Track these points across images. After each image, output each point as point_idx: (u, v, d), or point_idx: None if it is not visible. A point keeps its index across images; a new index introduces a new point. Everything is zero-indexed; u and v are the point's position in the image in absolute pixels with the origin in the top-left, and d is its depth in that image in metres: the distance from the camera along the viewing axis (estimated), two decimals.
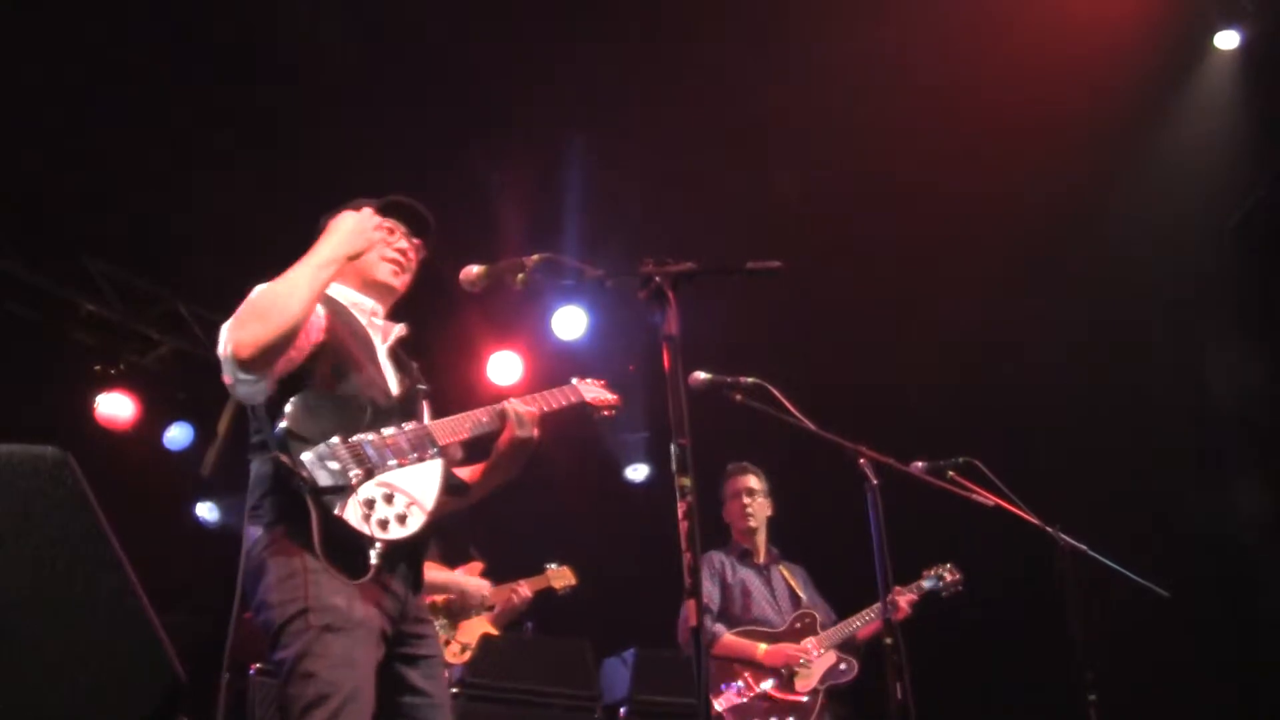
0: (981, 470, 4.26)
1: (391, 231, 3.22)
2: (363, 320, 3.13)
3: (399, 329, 3.20)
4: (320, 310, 2.95)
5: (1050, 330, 7.18)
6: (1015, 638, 6.84)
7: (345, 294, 3.16)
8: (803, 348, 7.14)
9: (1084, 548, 4.30)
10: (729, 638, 5.23)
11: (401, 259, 3.21)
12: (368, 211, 3.09)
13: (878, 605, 4.98)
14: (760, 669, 5.11)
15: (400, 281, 3.22)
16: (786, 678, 5.12)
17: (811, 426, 3.71)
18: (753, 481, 5.63)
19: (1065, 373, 7.21)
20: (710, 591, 5.35)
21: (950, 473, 4.32)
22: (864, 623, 5.24)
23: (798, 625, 5.32)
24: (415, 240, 3.27)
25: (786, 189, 6.63)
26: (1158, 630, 5.84)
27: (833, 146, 6.40)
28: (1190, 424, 7.04)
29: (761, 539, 5.60)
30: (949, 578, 5.37)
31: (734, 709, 5.02)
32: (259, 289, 2.89)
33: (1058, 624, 4.26)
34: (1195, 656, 6.58)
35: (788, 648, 5.18)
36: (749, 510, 5.56)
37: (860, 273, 6.96)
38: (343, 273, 3.10)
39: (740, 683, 5.09)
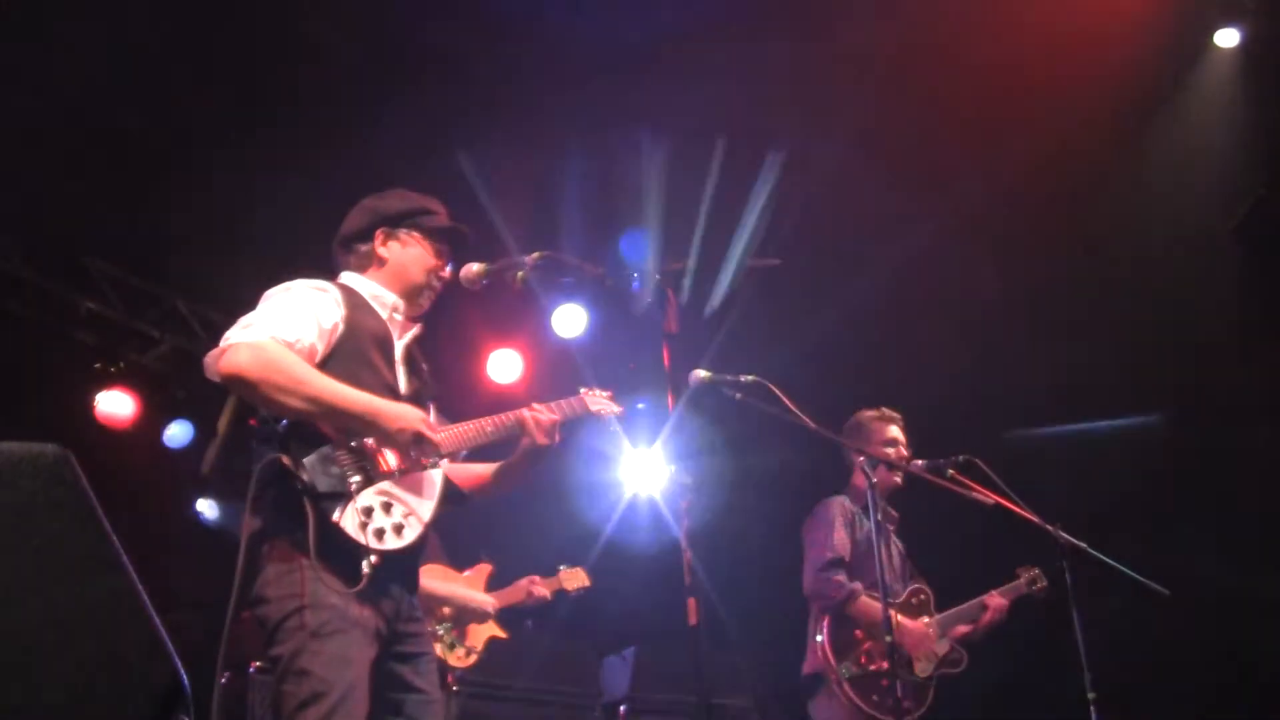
0: (982, 468, 4.25)
1: (443, 262, 3.22)
2: (383, 314, 3.09)
3: (415, 329, 3.19)
4: (339, 309, 2.94)
5: (1050, 330, 7.17)
6: (1015, 637, 6.84)
7: (368, 286, 3.12)
8: (802, 346, 7.13)
9: (1084, 546, 4.29)
10: (868, 600, 4.73)
11: (440, 288, 3.24)
12: (424, 428, 2.86)
13: (977, 602, 4.96)
14: (882, 645, 4.51)
15: (428, 305, 3.26)
16: (906, 657, 4.78)
17: (811, 425, 3.70)
18: (899, 431, 5.10)
19: (1065, 372, 7.20)
20: (843, 540, 4.87)
21: (950, 471, 4.31)
22: (976, 617, 4.95)
23: (914, 601, 4.97)
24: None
25: (787, 186, 6.63)
26: (1158, 630, 5.83)
27: (831, 145, 6.39)
28: (1190, 422, 7.03)
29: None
30: (1041, 584, 5.07)
31: (854, 680, 4.66)
32: (279, 297, 2.89)
33: (1058, 623, 4.25)
34: (1196, 656, 6.57)
35: (919, 629, 4.84)
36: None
37: (860, 271, 6.94)
38: (375, 269, 3.12)
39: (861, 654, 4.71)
